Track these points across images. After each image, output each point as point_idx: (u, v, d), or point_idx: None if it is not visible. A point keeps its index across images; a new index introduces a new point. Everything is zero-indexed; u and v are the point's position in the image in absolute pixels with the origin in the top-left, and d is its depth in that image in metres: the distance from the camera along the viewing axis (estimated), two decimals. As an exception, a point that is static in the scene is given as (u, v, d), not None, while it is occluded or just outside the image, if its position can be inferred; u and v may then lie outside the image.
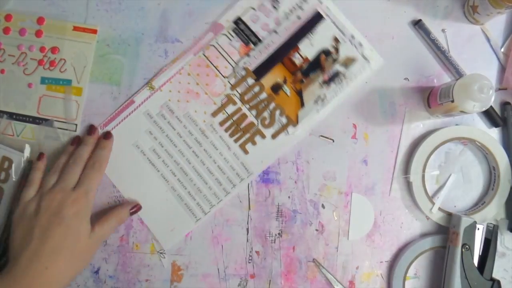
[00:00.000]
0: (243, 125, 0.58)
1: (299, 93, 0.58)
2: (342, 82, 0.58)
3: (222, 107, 0.58)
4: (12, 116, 0.59)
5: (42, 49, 0.59)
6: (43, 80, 0.59)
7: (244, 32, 0.59)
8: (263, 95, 0.58)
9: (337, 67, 0.58)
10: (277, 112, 0.58)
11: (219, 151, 0.58)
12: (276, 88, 0.59)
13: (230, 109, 0.59)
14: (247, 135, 0.58)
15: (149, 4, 0.60)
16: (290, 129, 0.58)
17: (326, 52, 0.59)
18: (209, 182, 0.58)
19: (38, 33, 0.59)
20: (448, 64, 0.60)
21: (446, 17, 0.61)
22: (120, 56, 0.59)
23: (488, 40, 0.60)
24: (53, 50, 0.59)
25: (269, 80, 0.59)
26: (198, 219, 0.58)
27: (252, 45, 0.59)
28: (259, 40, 0.59)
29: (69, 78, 0.59)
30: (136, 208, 0.56)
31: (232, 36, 0.59)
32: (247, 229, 0.58)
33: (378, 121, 0.60)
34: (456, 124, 0.59)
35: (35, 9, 0.59)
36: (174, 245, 0.58)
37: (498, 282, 0.54)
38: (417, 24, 0.60)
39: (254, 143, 0.58)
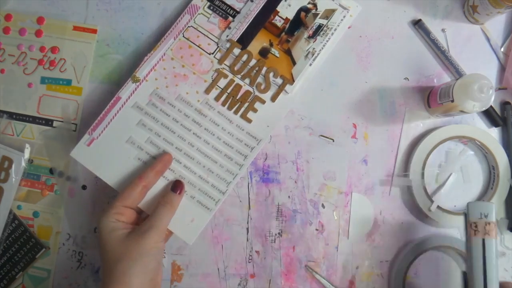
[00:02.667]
0: (239, 95, 0.57)
1: (288, 52, 0.58)
2: (326, 33, 0.58)
3: (214, 83, 0.57)
4: (12, 116, 0.59)
5: (42, 49, 0.59)
6: (43, 80, 0.59)
7: (220, 8, 0.59)
8: (253, 62, 0.58)
9: (319, 21, 0.59)
10: (271, 75, 0.57)
11: (221, 126, 0.56)
12: (264, 52, 0.58)
13: (222, 83, 0.57)
14: (246, 104, 0.57)
15: (149, 4, 0.60)
16: (288, 88, 0.57)
17: (305, 9, 0.59)
18: (219, 160, 0.55)
19: (38, 33, 0.59)
20: (448, 64, 0.60)
21: (446, 17, 0.61)
22: (120, 56, 0.59)
23: (488, 40, 0.60)
24: (53, 50, 0.59)
25: (255, 46, 0.58)
26: (217, 201, 0.54)
27: (231, 18, 0.59)
28: (237, 12, 0.59)
29: (69, 78, 0.59)
30: (179, 186, 0.52)
31: (210, 14, 0.59)
32: (247, 229, 0.58)
33: (378, 121, 0.60)
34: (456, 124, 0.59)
35: (35, 9, 0.59)
36: (197, 238, 0.54)
37: None
38: (417, 24, 0.60)
39: (255, 110, 0.57)
